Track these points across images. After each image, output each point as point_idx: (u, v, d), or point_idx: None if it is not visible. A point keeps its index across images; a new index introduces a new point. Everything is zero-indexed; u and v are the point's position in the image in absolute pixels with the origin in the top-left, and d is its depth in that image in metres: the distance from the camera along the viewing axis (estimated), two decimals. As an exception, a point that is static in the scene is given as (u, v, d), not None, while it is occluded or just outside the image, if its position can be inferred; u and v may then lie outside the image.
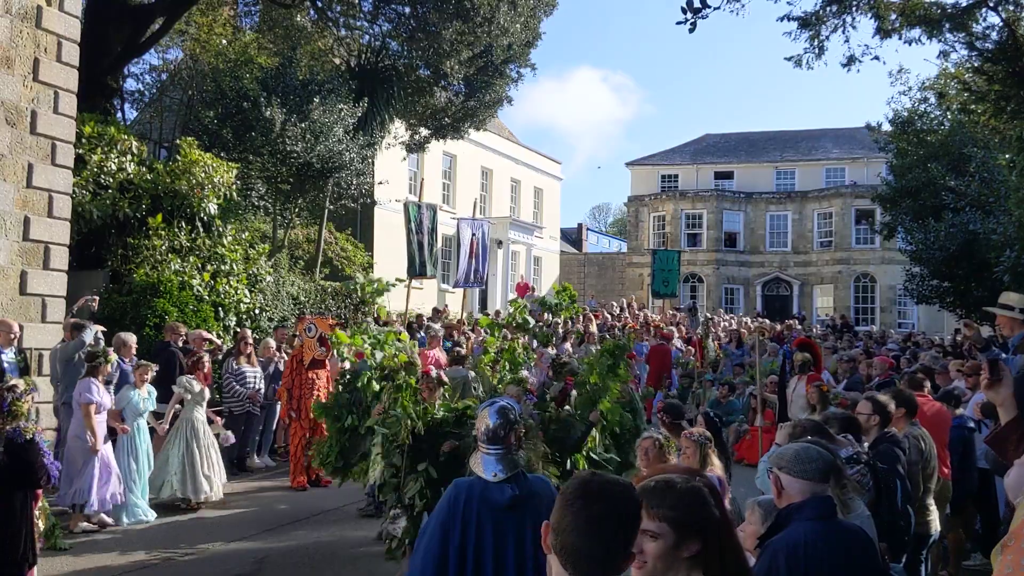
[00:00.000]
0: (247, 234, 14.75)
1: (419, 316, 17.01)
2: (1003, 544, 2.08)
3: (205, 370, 9.83)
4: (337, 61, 21.47)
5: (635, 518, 2.01)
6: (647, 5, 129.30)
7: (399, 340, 7.75)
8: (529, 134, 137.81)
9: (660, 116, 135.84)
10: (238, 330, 12.15)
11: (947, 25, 12.88)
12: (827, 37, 13.71)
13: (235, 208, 15.65)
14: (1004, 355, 5.04)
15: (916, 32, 13.14)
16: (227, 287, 12.93)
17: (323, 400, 10.77)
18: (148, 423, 9.07)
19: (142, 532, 8.29)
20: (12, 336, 8.73)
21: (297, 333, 11.63)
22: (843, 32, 13.66)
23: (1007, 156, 14.32)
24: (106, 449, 8.22)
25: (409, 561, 3.67)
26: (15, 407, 5.62)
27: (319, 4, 20.40)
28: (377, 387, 7.27)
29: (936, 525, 5.89)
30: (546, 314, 11.70)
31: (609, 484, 2.02)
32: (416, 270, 14.56)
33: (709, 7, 8.60)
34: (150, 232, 12.58)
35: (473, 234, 17.42)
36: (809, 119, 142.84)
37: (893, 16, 13.02)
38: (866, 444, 5.24)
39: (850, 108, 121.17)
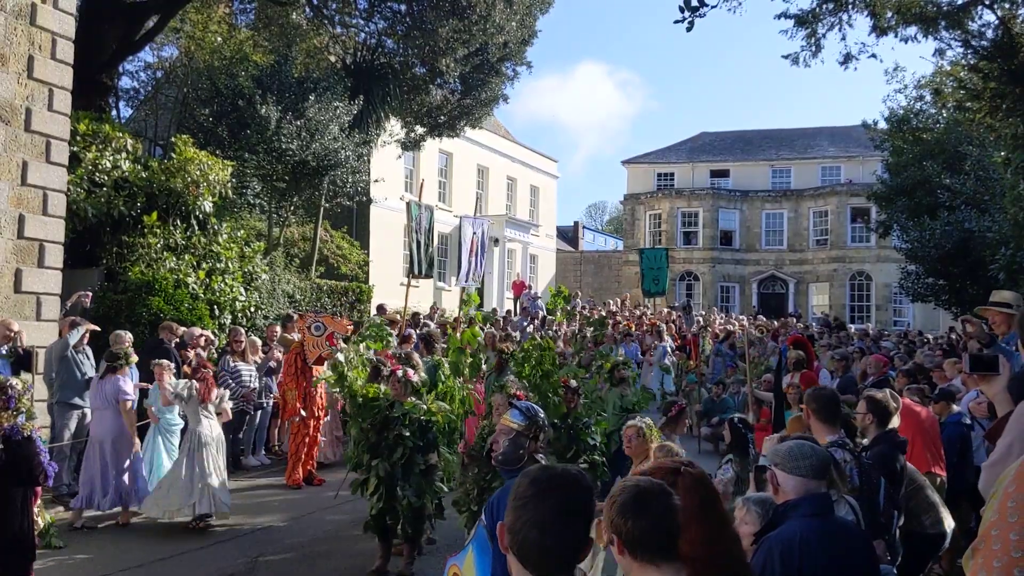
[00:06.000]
0: (242, 232, 14.71)
1: (416, 315, 17.00)
2: (973, 548, 2.05)
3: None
4: (332, 59, 21.44)
5: (588, 507, 2.01)
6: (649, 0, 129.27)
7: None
8: (530, 130, 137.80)
9: (664, 113, 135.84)
10: (232, 327, 12.13)
11: (943, 23, 12.90)
12: (824, 35, 13.71)
13: (230, 206, 15.63)
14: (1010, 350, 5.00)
15: (912, 30, 13.15)
16: (222, 285, 12.90)
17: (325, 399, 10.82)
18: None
19: (137, 531, 8.27)
20: (10, 335, 8.68)
21: (296, 331, 11.59)
22: (839, 30, 13.66)
23: (1002, 154, 14.33)
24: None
25: None
26: (20, 404, 5.68)
27: (314, 2, 20.36)
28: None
29: (947, 524, 5.72)
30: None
31: (559, 475, 2.02)
32: (419, 269, 14.51)
33: (707, 5, 8.56)
34: (145, 230, 12.54)
35: (474, 232, 17.50)
36: (805, 117, 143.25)
37: (889, 14, 13.02)
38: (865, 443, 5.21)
39: (846, 106, 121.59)
